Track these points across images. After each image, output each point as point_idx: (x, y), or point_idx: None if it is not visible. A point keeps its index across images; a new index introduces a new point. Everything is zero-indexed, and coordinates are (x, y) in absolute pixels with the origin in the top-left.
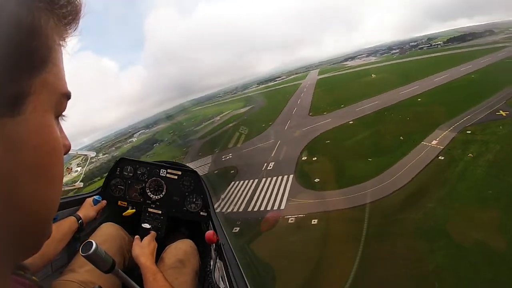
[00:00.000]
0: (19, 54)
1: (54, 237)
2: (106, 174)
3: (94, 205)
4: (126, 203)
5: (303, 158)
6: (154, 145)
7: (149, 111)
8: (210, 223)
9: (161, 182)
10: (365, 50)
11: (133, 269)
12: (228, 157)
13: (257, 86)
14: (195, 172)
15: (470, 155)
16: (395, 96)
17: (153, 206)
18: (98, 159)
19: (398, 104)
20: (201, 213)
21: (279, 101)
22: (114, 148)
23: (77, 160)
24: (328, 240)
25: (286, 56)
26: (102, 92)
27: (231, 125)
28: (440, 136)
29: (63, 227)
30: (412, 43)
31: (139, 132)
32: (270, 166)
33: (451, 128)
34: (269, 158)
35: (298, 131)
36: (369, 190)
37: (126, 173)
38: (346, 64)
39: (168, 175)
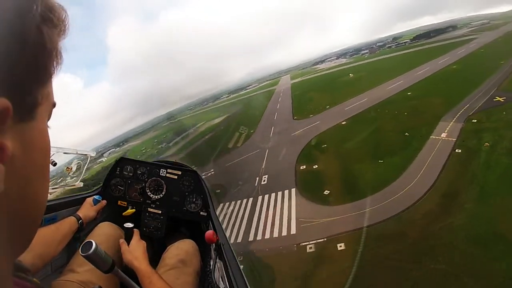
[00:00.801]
0: (37, 69)
1: (54, 237)
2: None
3: (94, 205)
4: (126, 203)
5: (301, 167)
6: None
7: (119, 129)
8: (210, 223)
9: (161, 182)
10: (333, 53)
11: (132, 270)
12: (210, 173)
13: (228, 96)
14: (195, 172)
15: (487, 144)
16: (382, 92)
17: (153, 206)
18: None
19: (389, 100)
20: (201, 213)
21: (256, 108)
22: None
23: (77, 160)
24: (367, 270)
25: (255, 64)
26: (65, 111)
27: (207, 136)
28: (448, 128)
29: (64, 228)
30: (379, 43)
31: (108, 151)
32: (264, 180)
33: (455, 118)
34: (260, 171)
35: (287, 137)
36: (394, 198)
37: (126, 173)
38: (317, 68)
39: (168, 175)
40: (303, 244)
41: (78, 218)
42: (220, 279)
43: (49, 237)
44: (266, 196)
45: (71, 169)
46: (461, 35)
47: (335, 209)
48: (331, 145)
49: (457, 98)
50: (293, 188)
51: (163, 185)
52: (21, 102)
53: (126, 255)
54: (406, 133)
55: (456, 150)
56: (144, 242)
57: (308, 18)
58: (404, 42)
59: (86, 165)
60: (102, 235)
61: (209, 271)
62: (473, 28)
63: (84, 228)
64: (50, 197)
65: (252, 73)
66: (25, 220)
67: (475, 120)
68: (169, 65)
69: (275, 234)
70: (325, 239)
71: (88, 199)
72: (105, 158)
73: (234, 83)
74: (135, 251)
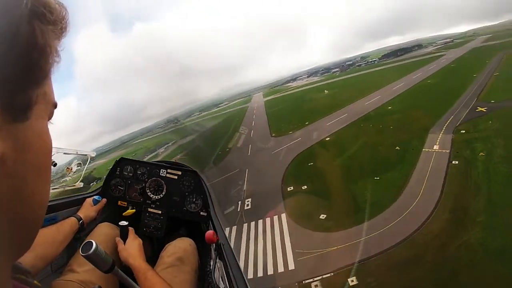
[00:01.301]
0: (30, 68)
1: (55, 238)
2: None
3: (94, 205)
4: (126, 203)
5: (289, 189)
6: (91, 184)
7: (84, 146)
8: (210, 223)
9: (161, 182)
10: (303, 72)
11: (131, 270)
12: None
13: (199, 114)
14: (195, 172)
15: (482, 154)
16: (362, 107)
17: (153, 206)
18: None
19: (370, 115)
20: (201, 213)
21: (230, 126)
22: None
23: (77, 160)
24: None
25: (227, 81)
26: None
27: (179, 156)
28: (438, 140)
29: (64, 228)
30: (348, 62)
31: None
32: (248, 205)
33: (443, 130)
34: (241, 194)
35: (267, 155)
36: (401, 218)
37: (126, 173)
38: (289, 85)
39: (168, 175)
40: (307, 281)
41: (79, 219)
42: (220, 279)
43: (50, 238)
44: (253, 224)
45: (71, 169)
46: (428, 53)
47: (336, 236)
48: (318, 163)
49: (440, 111)
50: (283, 213)
51: (163, 185)
52: (11, 102)
53: (122, 253)
54: (397, 147)
55: (453, 162)
56: (139, 239)
57: (279, 37)
58: (373, 61)
59: (87, 165)
60: (102, 235)
61: (209, 271)
62: (438, 46)
63: (85, 228)
64: (50, 197)
65: (224, 89)
66: (24, 221)
67: (464, 131)
68: (139, 79)
69: (270, 271)
70: (332, 273)
71: (88, 199)
72: (69, 178)
73: (206, 101)
74: (130, 249)
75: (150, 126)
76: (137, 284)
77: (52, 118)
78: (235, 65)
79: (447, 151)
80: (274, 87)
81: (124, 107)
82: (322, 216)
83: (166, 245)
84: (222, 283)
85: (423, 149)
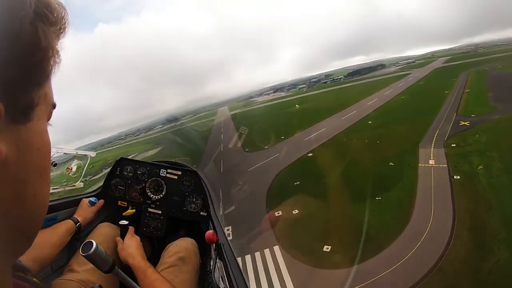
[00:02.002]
0: (33, 69)
1: (50, 240)
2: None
3: (91, 206)
4: (126, 203)
5: (277, 213)
6: None
7: None
8: (210, 223)
9: (161, 182)
10: (269, 88)
11: (131, 269)
12: None
13: (162, 127)
14: (195, 172)
15: (480, 167)
16: (340, 122)
17: (153, 206)
18: None
19: (351, 129)
20: (201, 213)
21: (196, 139)
22: None
23: (77, 160)
24: None
25: (191, 94)
26: None
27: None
28: (432, 154)
29: (60, 231)
30: (314, 79)
31: None
32: (228, 235)
33: (433, 144)
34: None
35: (243, 173)
36: (421, 244)
37: (126, 173)
38: (256, 100)
39: (168, 175)
40: None
41: (76, 221)
42: (220, 279)
43: (44, 240)
44: (239, 261)
45: (71, 169)
46: (393, 72)
47: (352, 272)
48: (306, 181)
49: (423, 125)
50: (275, 245)
51: (163, 185)
52: (15, 103)
53: (121, 253)
54: (391, 163)
55: (455, 177)
56: (137, 237)
57: (248, 51)
58: (339, 78)
59: (86, 165)
60: (102, 235)
61: (209, 271)
62: (401, 66)
63: (82, 230)
64: (50, 197)
65: (189, 101)
66: (25, 221)
67: (454, 144)
68: (101, 85)
69: None
70: None
71: (84, 200)
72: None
73: (170, 113)
74: (129, 248)
75: (111, 137)
76: (138, 284)
77: (50, 118)
78: (202, 76)
79: (444, 165)
80: (240, 101)
81: (81, 115)
82: (326, 248)
83: (168, 245)
84: (222, 283)
85: (419, 164)
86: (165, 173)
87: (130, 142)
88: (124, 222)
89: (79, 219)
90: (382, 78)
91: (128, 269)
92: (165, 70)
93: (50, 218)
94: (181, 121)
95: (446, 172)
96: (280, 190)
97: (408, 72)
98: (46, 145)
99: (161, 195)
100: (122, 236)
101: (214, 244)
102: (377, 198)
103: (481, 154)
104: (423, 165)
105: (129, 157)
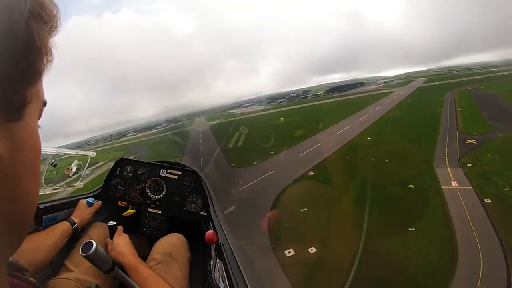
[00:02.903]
0: (26, 68)
1: (45, 243)
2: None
3: (88, 207)
4: (126, 203)
5: (288, 253)
6: None
7: None
8: (210, 223)
9: (161, 182)
10: (247, 100)
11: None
12: None
13: (135, 134)
14: (195, 172)
15: (506, 188)
16: (334, 137)
17: (153, 206)
18: None
19: (351, 145)
20: (201, 213)
21: (171, 149)
22: None
23: (76, 160)
24: None
25: (166, 102)
26: None
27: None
28: (450, 175)
29: (55, 233)
30: (292, 94)
31: None
32: None
33: (447, 163)
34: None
35: (231, 194)
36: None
37: (126, 173)
38: (234, 112)
39: (168, 175)
40: None
41: (72, 223)
42: (220, 279)
43: (39, 243)
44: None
45: (71, 169)
46: (374, 90)
47: None
48: (316, 208)
49: (428, 142)
50: None
51: (163, 185)
52: (8, 101)
53: (111, 253)
54: (410, 185)
55: (485, 200)
56: (125, 235)
57: (227, 61)
58: (318, 94)
59: (86, 165)
60: (95, 235)
61: (209, 271)
62: (381, 85)
63: (80, 232)
64: (50, 197)
65: (165, 110)
66: (16, 220)
67: (470, 164)
68: (69, 83)
69: None
70: None
71: (81, 201)
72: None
73: (144, 121)
74: (118, 247)
75: (80, 141)
76: (139, 286)
77: (41, 116)
78: (180, 82)
79: (469, 187)
80: (218, 112)
81: (46, 114)
82: None
83: (156, 242)
84: (222, 283)
85: (442, 186)
86: (165, 173)
87: (100, 148)
88: (113, 222)
89: (76, 221)
90: (365, 95)
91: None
92: (142, 73)
93: (50, 219)
94: (155, 130)
95: (474, 195)
96: (284, 220)
97: (390, 90)
98: (37, 144)
99: (161, 195)
100: (112, 236)
101: (214, 244)
102: (410, 229)
103: (501, 174)
104: (446, 187)
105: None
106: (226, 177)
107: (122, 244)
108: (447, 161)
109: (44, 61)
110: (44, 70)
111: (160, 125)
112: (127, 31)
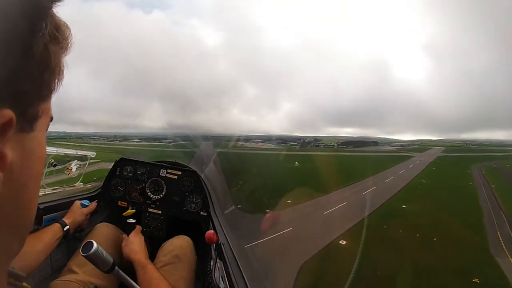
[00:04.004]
0: (41, 86)
1: (34, 248)
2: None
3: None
4: (126, 203)
5: None
6: None
7: None
8: (210, 223)
9: (161, 182)
10: (255, 136)
11: (131, 268)
12: None
13: (138, 141)
14: (195, 172)
15: None
16: (361, 197)
17: (153, 206)
18: None
19: (386, 212)
20: (201, 213)
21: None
22: None
23: (76, 160)
24: None
25: (172, 117)
26: None
27: (89, 186)
28: None
29: (45, 237)
30: (303, 140)
31: None
32: None
33: (507, 253)
34: None
35: (235, 250)
36: None
37: (126, 173)
38: (244, 145)
39: (168, 175)
40: None
41: (64, 225)
42: (220, 279)
43: (28, 247)
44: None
45: (71, 170)
46: (391, 151)
47: None
48: None
49: (473, 221)
50: None
51: (163, 185)
52: (23, 114)
53: (124, 249)
54: (475, 279)
55: None
56: (142, 236)
57: (246, 89)
58: (332, 145)
59: (86, 165)
60: (101, 235)
61: (209, 271)
62: (397, 147)
63: (70, 235)
64: (50, 197)
65: (171, 125)
66: (20, 224)
67: None
68: (81, 70)
69: None
70: None
71: (76, 202)
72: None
73: (149, 131)
74: (131, 244)
75: (84, 133)
76: (137, 283)
77: (47, 130)
78: (192, 100)
79: None
80: (225, 141)
81: (56, 101)
82: None
83: (163, 244)
84: (222, 283)
85: None
86: (165, 173)
87: (100, 146)
88: (132, 220)
89: (67, 222)
90: (383, 154)
91: (128, 270)
92: (159, 80)
93: (50, 219)
94: (161, 142)
95: None
96: None
97: (409, 154)
98: (43, 154)
99: (161, 195)
100: (128, 233)
101: (214, 244)
102: None
103: None
104: None
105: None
106: (231, 221)
107: (137, 243)
108: (505, 249)
109: (56, 81)
110: (55, 89)
111: (167, 139)
112: (154, 34)
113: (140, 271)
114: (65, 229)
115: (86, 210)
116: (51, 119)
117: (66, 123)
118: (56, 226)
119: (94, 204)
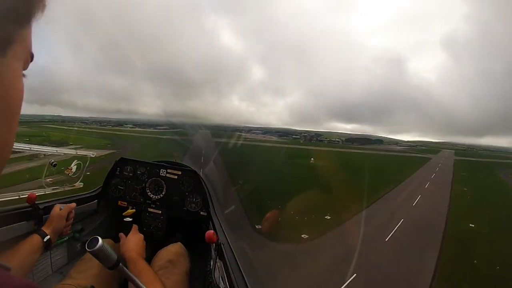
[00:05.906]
0: (15, 6)
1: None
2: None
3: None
4: (126, 203)
5: None
6: None
7: None
8: (210, 222)
9: (161, 182)
10: (255, 127)
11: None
12: None
13: (132, 127)
14: (195, 172)
15: None
16: (411, 209)
17: (153, 206)
18: None
19: (452, 233)
20: (201, 212)
21: (164, 156)
22: None
23: (76, 160)
24: None
25: (167, 102)
26: None
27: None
28: None
29: (21, 253)
30: (305, 134)
31: None
32: None
33: None
34: None
35: None
36: None
37: (126, 173)
38: (245, 136)
39: (168, 175)
40: None
41: (43, 235)
42: (220, 279)
43: None
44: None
45: (71, 170)
46: (401, 151)
47: None
48: None
49: None
50: None
51: (163, 185)
52: None
53: (121, 248)
54: None
55: None
56: (140, 235)
57: (250, 74)
58: (337, 141)
59: (86, 165)
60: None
61: (209, 271)
62: (404, 147)
63: (53, 245)
64: (50, 197)
65: (166, 111)
66: None
67: None
68: (72, 48)
69: None
70: None
71: (55, 207)
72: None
73: (143, 117)
74: (128, 242)
75: (75, 117)
76: (144, 284)
77: (27, 69)
78: (190, 83)
79: None
80: (224, 130)
81: (42, 77)
82: None
83: (158, 251)
84: (222, 283)
85: None
86: (165, 173)
87: (90, 130)
88: (128, 219)
89: (47, 232)
90: (397, 154)
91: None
92: (155, 57)
93: None
94: (156, 129)
95: None
96: None
97: (423, 155)
98: (17, 88)
99: (161, 195)
100: (126, 232)
101: (214, 244)
102: None
103: None
104: None
105: (79, 152)
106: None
107: (134, 241)
108: None
109: (35, 6)
110: (34, 15)
111: (161, 126)
112: (154, 6)
113: (131, 266)
114: (45, 239)
115: (64, 212)
116: (32, 56)
117: (57, 105)
118: (35, 237)
119: (73, 205)
